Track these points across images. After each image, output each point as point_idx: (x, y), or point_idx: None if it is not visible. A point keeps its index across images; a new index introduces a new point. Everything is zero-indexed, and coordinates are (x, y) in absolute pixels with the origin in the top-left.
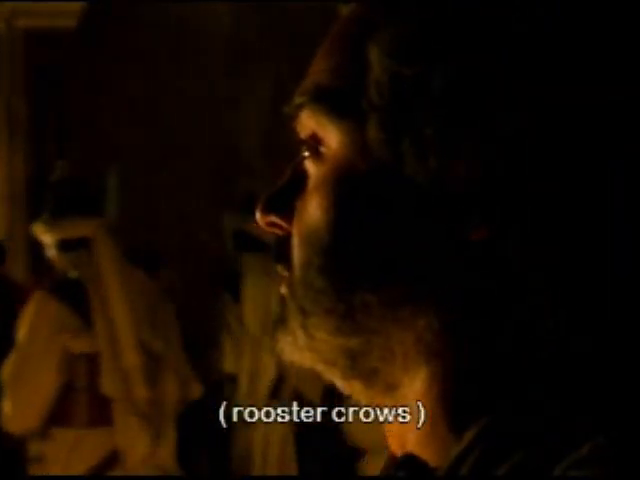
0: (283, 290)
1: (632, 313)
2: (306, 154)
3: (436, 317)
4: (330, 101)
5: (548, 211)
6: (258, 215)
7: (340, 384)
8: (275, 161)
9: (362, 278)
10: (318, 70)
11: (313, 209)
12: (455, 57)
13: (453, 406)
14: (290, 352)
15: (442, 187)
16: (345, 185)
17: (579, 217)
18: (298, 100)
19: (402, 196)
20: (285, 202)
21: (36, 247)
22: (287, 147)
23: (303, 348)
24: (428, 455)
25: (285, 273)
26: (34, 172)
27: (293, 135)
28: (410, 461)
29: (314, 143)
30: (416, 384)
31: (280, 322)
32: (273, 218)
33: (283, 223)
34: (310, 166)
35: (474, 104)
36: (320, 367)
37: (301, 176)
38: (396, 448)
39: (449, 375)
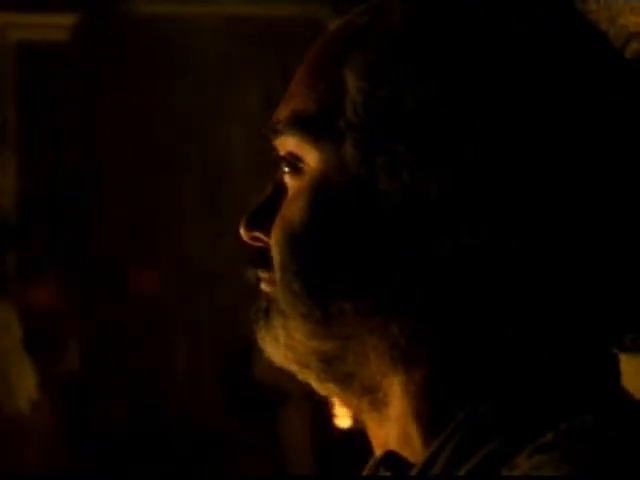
0: (265, 288)
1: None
2: (285, 170)
3: (409, 324)
4: (307, 125)
5: (517, 219)
6: (242, 231)
7: (315, 386)
8: (262, 175)
9: (337, 286)
10: (295, 95)
11: (290, 217)
12: (426, 77)
13: (430, 407)
14: (271, 350)
15: (414, 201)
16: (321, 197)
17: (553, 225)
18: (277, 126)
19: (376, 209)
20: (267, 217)
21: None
22: (274, 161)
23: (282, 346)
24: (408, 453)
25: (265, 275)
26: (25, 185)
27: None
28: (390, 458)
29: (292, 160)
30: (394, 387)
31: (263, 319)
32: (256, 233)
33: (265, 238)
34: (289, 181)
35: (444, 122)
36: (295, 368)
37: (281, 191)
38: (379, 450)
39: (425, 378)
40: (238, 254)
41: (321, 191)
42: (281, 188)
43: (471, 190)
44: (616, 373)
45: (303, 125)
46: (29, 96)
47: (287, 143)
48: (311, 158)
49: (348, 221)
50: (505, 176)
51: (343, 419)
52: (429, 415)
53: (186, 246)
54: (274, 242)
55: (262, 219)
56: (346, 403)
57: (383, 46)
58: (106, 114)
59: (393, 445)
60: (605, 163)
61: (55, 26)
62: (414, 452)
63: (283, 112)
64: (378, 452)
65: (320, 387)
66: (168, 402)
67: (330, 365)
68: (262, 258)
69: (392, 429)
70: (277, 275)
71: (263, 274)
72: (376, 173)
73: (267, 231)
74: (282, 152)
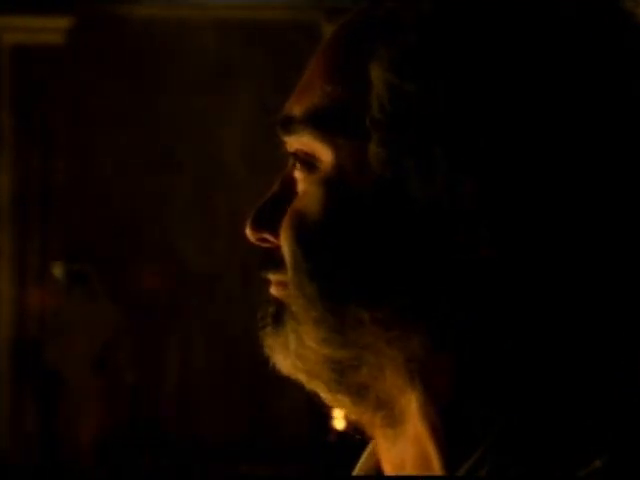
0: (275, 292)
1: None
2: (296, 165)
3: (430, 336)
4: (324, 123)
5: (536, 229)
6: (248, 231)
7: (325, 397)
8: (258, 175)
9: (354, 292)
10: (309, 89)
11: (303, 214)
12: (460, 72)
13: (451, 426)
14: (279, 358)
15: (444, 208)
16: (338, 195)
17: (587, 228)
18: (290, 124)
19: (400, 213)
20: (275, 216)
21: (22, 258)
22: (270, 161)
23: (292, 354)
24: (426, 473)
25: (274, 277)
26: (20, 186)
27: (277, 150)
28: None
29: (305, 157)
30: (412, 404)
31: (272, 324)
32: (264, 234)
33: (274, 238)
34: (300, 177)
35: (480, 119)
36: (303, 377)
37: (290, 188)
38: (392, 469)
39: (446, 394)
40: (230, 255)
41: (338, 189)
42: (290, 185)
43: (499, 199)
44: None
45: (319, 122)
46: (24, 98)
47: (300, 140)
48: (327, 155)
49: (367, 223)
50: (526, 187)
51: (339, 420)
52: (449, 435)
53: (178, 247)
54: (285, 240)
55: (270, 218)
56: (358, 417)
57: (412, 37)
58: (100, 115)
59: (410, 465)
60: (615, 172)
61: (50, 29)
62: (432, 473)
63: (296, 108)
64: (388, 469)
65: (330, 398)
66: (164, 403)
67: (343, 375)
68: (271, 259)
69: (409, 448)
70: (289, 275)
71: (273, 276)
72: (405, 175)
73: (276, 231)
74: (292, 148)
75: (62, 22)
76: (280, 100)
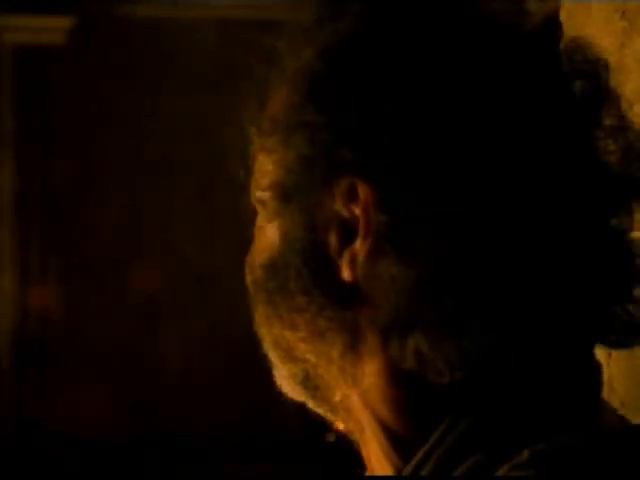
0: None
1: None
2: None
3: (345, 347)
4: (283, 196)
5: (476, 232)
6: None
7: (319, 412)
8: None
9: (276, 316)
10: (263, 168)
11: (252, 253)
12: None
13: (402, 426)
14: (284, 385)
15: (311, 239)
16: (265, 241)
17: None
18: (261, 204)
19: (292, 250)
20: None
21: (23, 256)
22: None
23: (285, 377)
24: (389, 469)
25: None
26: (21, 185)
27: None
28: None
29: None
30: (360, 411)
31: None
32: None
33: None
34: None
35: (321, 165)
36: (295, 397)
37: None
38: (368, 467)
39: (382, 400)
40: (233, 255)
41: (262, 230)
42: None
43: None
44: (598, 385)
45: (280, 197)
46: (25, 98)
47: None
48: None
49: (276, 259)
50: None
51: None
52: (397, 440)
53: (179, 247)
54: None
55: None
56: (344, 427)
57: (301, 87)
58: (101, 116)
59: (375, 461)
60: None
61: (51, 29)
62: (392, 467)
63: (261, 185)
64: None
65: (321, 412)
66: (164, 403)
67: (307, 388)
68: None
69: (371, 453)
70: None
71: None
72: (286, 217)
73: None
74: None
75: (63, 22)
76: None
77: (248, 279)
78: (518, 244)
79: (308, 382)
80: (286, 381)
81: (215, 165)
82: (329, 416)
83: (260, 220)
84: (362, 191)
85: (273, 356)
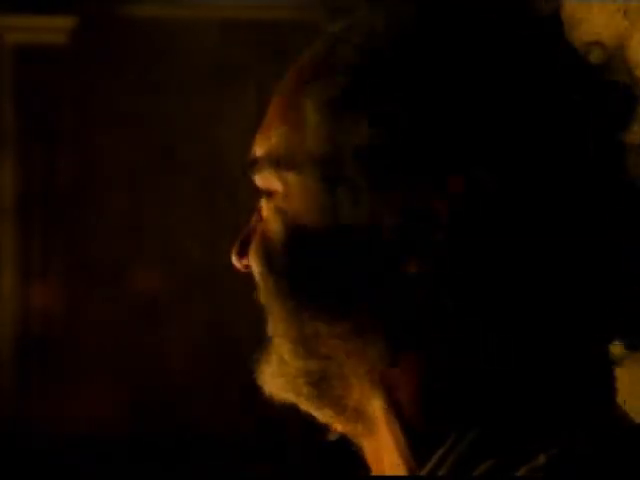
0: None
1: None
2: (262, 199)
3: (387, 348)
4: (279, 162)
5: (467, 245)
6: (234, 259)
7: (315, 414)
8: None
9: (310, 308)
10: (266, 131)
11: (265, 239)
12: (380, 109)
13: (416, 434)
14: (268, 381)
15: (375, 229)
16: (289, 225)
17: (506, 248)
18: (253, 166)
19: (339, 237)
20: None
21: (25, 256)
22: None
23: (276, 374)
24: (403, 472)
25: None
26: (22, 185)
27: None
28: None
29: (266, 190)
30: (377, 413)
31: (263, 350)
32: (246, 261)
33: None
34: (264, 206)
35: (397, 156)
36: (292, 397)
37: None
38: (376, 471)
39: (408, 404)
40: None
41: (287, 216)
42: (261, 216)
43: (429, 225)
44: (611, 388)
45: (273, 162)
46: (26, 98)
47: (261, 177)
48: (279, 189)
49: (313, 248)
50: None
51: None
52: (416, 443)
53: (180, 247)
54: (252, 263)
55: (248, 246)
56: (345, 429)
57: (340, 77)
58: (103, 116)
59: (388, 469)
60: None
61: (52, 29)
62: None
63: (258, 150)
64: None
65: (319, 414)
66: (165, 403)
67: (318, 388)
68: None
69: (385, 456)
70: (261, 297)
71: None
72: (337, 204)
73: None
74: (258, 184)
75: (65, 22)
76: None
77: (259, 270)
78: (537, 248)
79: (323, 381)
80: (285, 379)
81: (215, 165)
82: (329, 417)
83: (266, 208)
84: (453, 185)
85: (286, 351)
